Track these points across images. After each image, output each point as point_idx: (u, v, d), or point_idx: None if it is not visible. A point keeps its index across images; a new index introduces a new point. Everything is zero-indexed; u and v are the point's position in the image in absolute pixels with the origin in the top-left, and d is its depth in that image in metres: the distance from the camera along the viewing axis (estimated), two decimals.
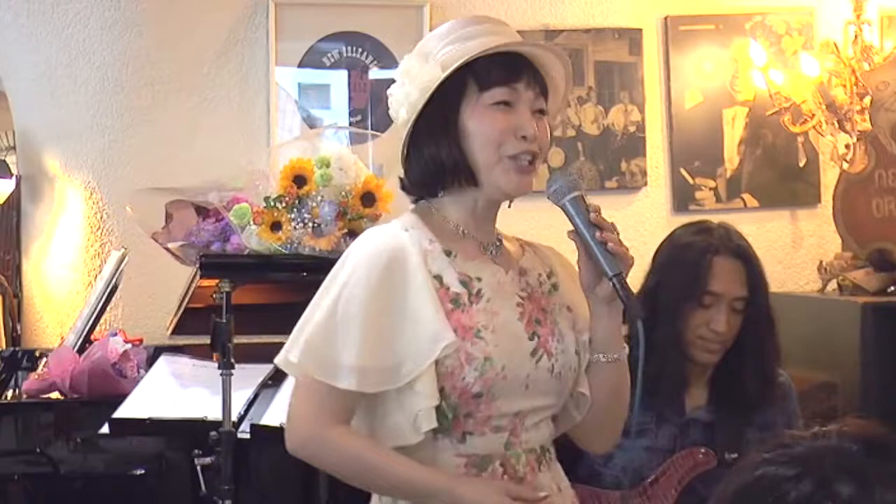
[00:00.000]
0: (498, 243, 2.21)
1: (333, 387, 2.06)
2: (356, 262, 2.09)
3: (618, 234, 2.10)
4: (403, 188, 2.22)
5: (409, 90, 2.12)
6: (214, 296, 3.11)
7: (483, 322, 2.09)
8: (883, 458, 1.22)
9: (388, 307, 2.06)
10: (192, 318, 3.39)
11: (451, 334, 2.05)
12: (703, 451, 2.88)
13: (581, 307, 2.21)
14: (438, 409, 2.06)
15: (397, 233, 2.13)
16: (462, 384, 2.06)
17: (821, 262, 4.50)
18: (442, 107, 2.12)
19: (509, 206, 2.21)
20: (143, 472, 3.56)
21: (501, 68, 2.12)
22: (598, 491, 2.87)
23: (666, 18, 4.67)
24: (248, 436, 3.22)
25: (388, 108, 2.19)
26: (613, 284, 2.08)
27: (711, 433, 2.93)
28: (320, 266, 3.02)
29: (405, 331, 2.05)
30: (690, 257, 2.92)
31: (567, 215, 2.12)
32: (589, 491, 2.84)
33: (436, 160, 2.12)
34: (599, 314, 2.17)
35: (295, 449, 2.13)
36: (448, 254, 2.13)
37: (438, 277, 2.10)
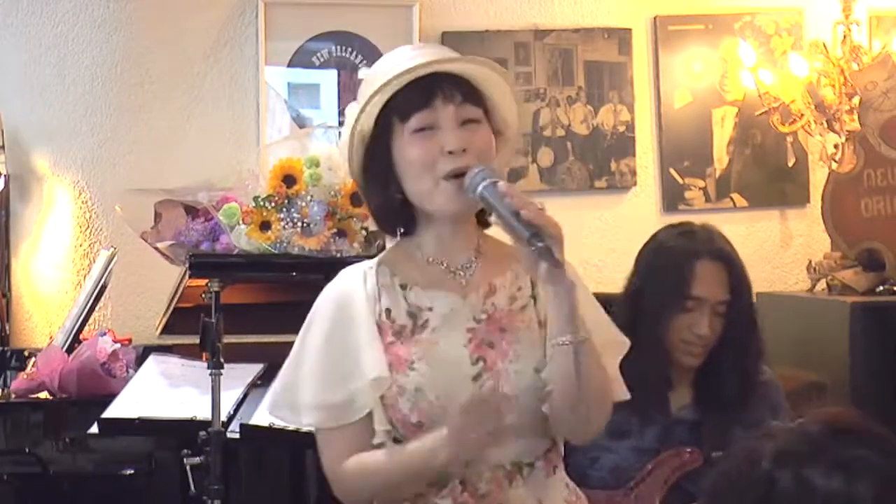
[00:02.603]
0: (471, 263, 2.20)
1: (333, 430, 2.16)
2: (314, 311, 2.21)
3: (542, 209, 2.04)
4: None
5: (344, 142, 2.21)
6: (204, 295, 3.11)
7: (418, 353, 2.13)
8: (841, 440, 1.30)
9: (338, 348, 2.16)
10: (181, 318, 3.39)
11: (379, 371, 2.12)
12: (689, 450, 2.88)
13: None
14: (393, 435, 2.14)
15: (354, 274, 2.21)
16: (400, 415, 2.12)
17: (810, 261, 4.51)
18: (377, 154, 2.16)
19: (489, 222, 2.20)
20: (132, 471, 3.55)
21: (414, 93, 2.13)
22: (586, 491, 2.87)
23: (655, 18, 4.67)
24: (237, 435, 3.22)
25: None
26: (532, 244, 2.00)
27: (697, 432, 2.93)
28: (309, 265, 3.03)
29: (353, 368, 2.14)
30: (673, 261, 2.93)
31: (486, 205, 2.09)
32: None
33: (384, 208, 2.19)
34: (549, 297, 2.11)
35: (341, 496, 2.22)
36: (403, 287, 2.17)
37: (388, 311, 2.17)
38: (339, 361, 2.15)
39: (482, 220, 2.22)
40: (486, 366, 2.14)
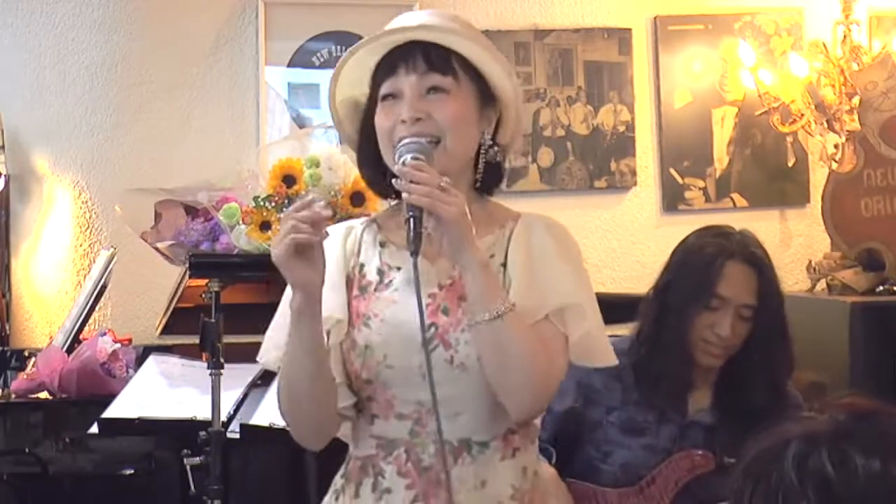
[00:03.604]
0: None
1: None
2: None
3: (444, 189, 2.02)
4: None
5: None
6: (203, 295, 3.11)
7: (374, 310, 2.14)
8: (867, 424, 1.34)
9: None
10: (181, 318, 3.39)
11: (339, 313, 2.13)
12: (700, 452, 2.88)
13: (527, 288, 2.13)
14: (351, 387, 2.15)
15: (338, 229, 2.23)
16: (352, 369, 2.14)
17: (810, 261, 4.51)
18: (369, 123, 2.19)
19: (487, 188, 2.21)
20: (132, 471, 3.55)
21: (386, 63, 2.17)
22: (595, 488, 2.87)
23: (655, 18, 4.68)
24: (237, 435, 3.22)
25: None
26: (406, 219, 2.01)
27: (712, 436, 2.92)
28: None
29: None
30: (703, 259, 2.92)
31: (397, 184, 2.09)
32: (585, 488, 2.84)
33: (373, 173, 2.21)
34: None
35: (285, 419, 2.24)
36: (381, 244, 2.20)
37: (361, 266, 2.20)
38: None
39: (485, 185, 2.21)
40: (438, 332, 2.12)
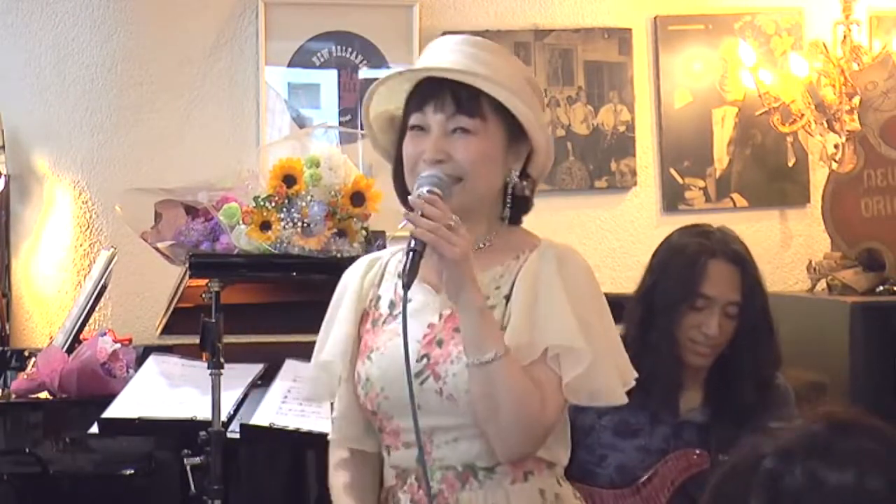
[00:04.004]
0: None
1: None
2: None
3: (452, 226, 2.05)
4: None
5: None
6: (204, 295, 3.10)
7: (379, 344, 2.20)
8: (845, 435, 1.30)
9: (328, 331, 2.29)
10: (181, 318, 3.38)
11: (332, 355, 2.24)
12: (697, 452, 2.88)
13: (523, 326, 2.14)
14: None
15: (359, 264, 2.33)
16: (361, 402, 2.23)
17: (810, 261, 4.51)
18: (401, 144, 2.23)
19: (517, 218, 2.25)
20: (132, 471, 3.55)
21: (418, 95, 2.19)
22: (592, 489, 2.87)
23: (655, 18, 4.67)
24: (237, 435, 3.22)
25: None
26: (406, 254, 2.06)
27: (705, 435, 2.93)
28: (309, 265, 3.03)
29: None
30: (686, 259, 2.92)
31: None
32: (581, 490, 2.84)
33: (401, 195, 2.25)
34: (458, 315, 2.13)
35: None
36: (400, 276, 2.16)
37: (378, 299, 2.26)
38: (323, 339, 2.28)
39: (512, 216, 2.23)
40: (429, 364, 2.15)
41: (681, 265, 2.92)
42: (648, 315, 2.91)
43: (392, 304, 2.22)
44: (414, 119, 2.18)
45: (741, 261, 2.95)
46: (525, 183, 2.23)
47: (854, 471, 1.25)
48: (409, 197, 2.11)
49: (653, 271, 2.99)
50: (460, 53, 2.20)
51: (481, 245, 2.22)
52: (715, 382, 2.95)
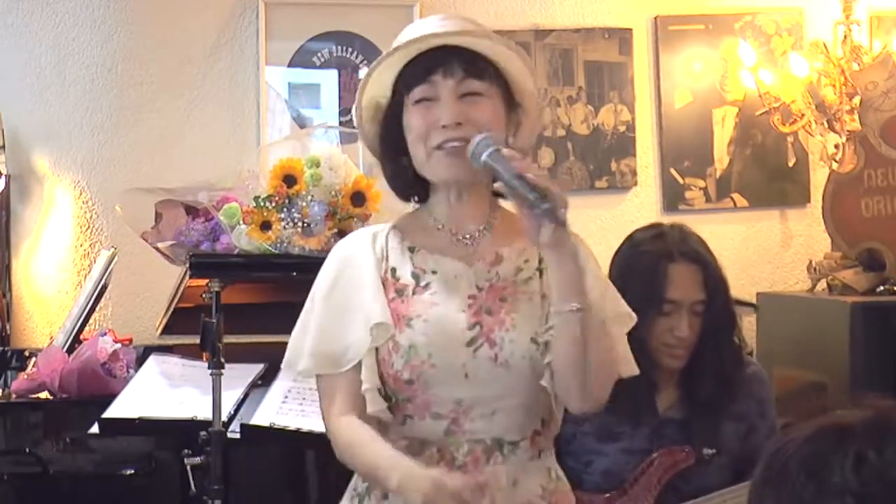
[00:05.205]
0: (479, 232, 2.24)
1: (330, 378, 2.22)
2: (321, 271, 2.29)
3: (545, 174, 2.10)
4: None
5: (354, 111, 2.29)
6: (204, 295, 3.10)
7: (418, 311, 2.18)
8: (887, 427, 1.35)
9: (339, 303, 2.22)
10: (181, 318, 3.38)
11: (382, 317, 2.16)
12: (685, 449, 2.89)
13: (592, 284, 2.20)
14: (382, 391, 2.17)
15: (362, 235, 2.29)
16: (392, 371, 2.16)
17: (810, 261, 4.50)
18: (390, 125, 2.23)
19: (503, 193, 2.23)
20: (132, 471, 3.55)
21: (418, 67, 2.19)
22: (580, 494, 2.87)
23: (656, 18, 4.67)
24: (237, 436, 3.22)
25: None
26: (536, 205, 2.03)
27: (687, 430, 2.94)
28: (310, 266, 3.02)
29: (353, 322, 2.19)
30: (646, 265, 2.93)
31: (494, 172, 2.12)
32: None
33: (396, 176, 2.26)
34: (551, 265, 2.13)
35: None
36: (411, 249, 2.23)
37: (393, 270, 2.23)
38: (337, 316, 2.21)
39: (498, 192, 2.25)
40: (482, 332, 2.16)
41: (642, 272, 2.92)
42: None
43: (416, 276, 2.21)
44: (419, 92, 2.17)
45: (700, 259, 2.95)
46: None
47: None
48: (503, 149, 2.09)
49: (615, 279, 3.00)
50: (451, 24, 2.23)
51: (492, 222, 2.25)
52: (687, 378, 2.97)
